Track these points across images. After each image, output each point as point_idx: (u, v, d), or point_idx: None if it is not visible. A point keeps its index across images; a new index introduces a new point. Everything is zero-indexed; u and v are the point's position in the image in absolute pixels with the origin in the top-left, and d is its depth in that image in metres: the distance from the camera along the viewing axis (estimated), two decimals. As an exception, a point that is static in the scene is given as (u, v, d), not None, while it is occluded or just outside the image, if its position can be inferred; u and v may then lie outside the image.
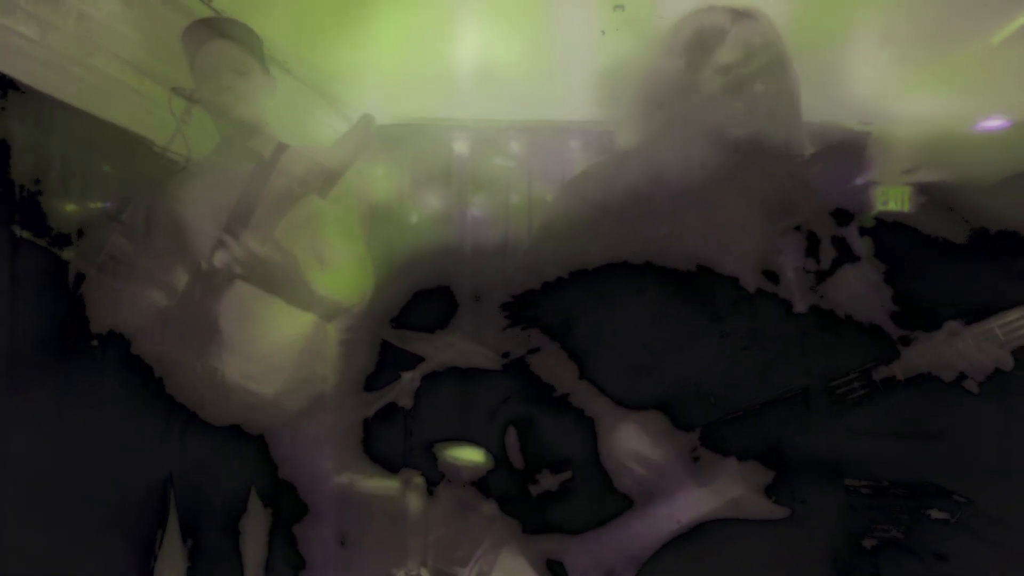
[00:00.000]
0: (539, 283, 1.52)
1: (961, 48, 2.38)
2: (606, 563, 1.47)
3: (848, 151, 1.61)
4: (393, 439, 2.63)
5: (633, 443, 1.44)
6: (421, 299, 2.93)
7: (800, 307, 1.41)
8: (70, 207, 2.08)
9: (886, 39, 2.25)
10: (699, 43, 1.44)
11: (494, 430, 1.59)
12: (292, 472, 2.06)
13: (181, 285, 1.94)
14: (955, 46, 2.38)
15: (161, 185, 1.98)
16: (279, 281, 1.90)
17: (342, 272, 2.02)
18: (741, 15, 1.47)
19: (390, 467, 2.77)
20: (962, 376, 1.34)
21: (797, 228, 1.44)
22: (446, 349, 2.44)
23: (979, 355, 1.31)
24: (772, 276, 1.43)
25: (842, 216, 1.46)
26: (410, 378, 2.48)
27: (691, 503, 1.42)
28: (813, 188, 1.46)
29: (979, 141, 2.56)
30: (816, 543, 1.42)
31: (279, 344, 2.00)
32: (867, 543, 1.50)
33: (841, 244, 1.44)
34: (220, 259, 1.87)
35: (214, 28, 2.01)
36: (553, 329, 1.53)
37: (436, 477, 2.78)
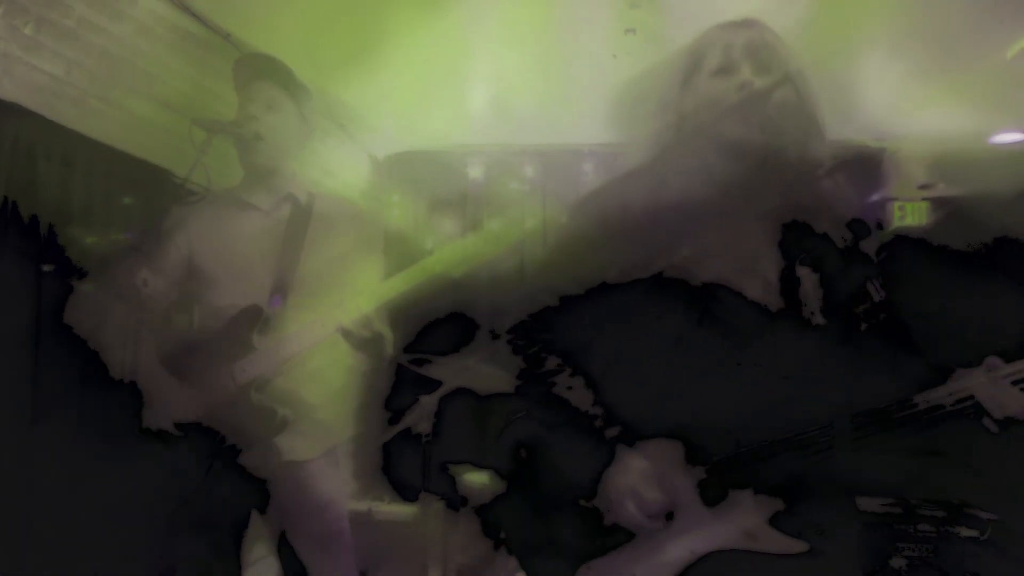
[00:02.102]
0: (556, 300, 1.51)
1: (975, 63, 2.38)
2: None
3: (864, 167, 1.61)
4: (412, 465, 2.62)
5: (631, 479, 1.40)
6: (438, 324, 2.93)
7: (818, 320, 1.38)
8: (92, 239, 2.12)
9: (899, 55, 2.25)
10: (715, 58, 1.44)
11: (501, 450, 1.57)
12: (306, 503, 2.06)
13: (203, 320, 1.99)
14: (969, 61, 2.37)
15: (179, 215, 2.01)
16: (374, 344, 1.98)
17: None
18: (731, 24, 1.48)
19: (409, 492, 2.76)
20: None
21: (815, 248, 1.42)
22: (463, 373, 2.44)
23: (1007, 399, 1.28)
24: (795, 301, 1.41)
25: (860, 228, 1.45)
26: (428, 402, 2.48)
27: (706, 534, 1.39)
28: (830, 201, 1.45)
29: (995, 155, 2.55)
30: (838, 572, 1.38)
31: (330, 386, 2.07)
32: (896, 563, 1.47)
33: (861, 257, 1.43)
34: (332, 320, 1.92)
35: (261, 68, 2.08)
36: (569, 352, 1.51)
37: (456, 502, 2.76)
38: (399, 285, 1.95)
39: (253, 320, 1.95)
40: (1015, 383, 1.29)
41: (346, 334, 1.92)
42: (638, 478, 1.40)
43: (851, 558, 1.40)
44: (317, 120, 2.27)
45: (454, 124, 3.26)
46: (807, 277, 1.39)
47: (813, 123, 1.44)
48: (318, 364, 2.01)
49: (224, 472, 1.91)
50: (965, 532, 1.54)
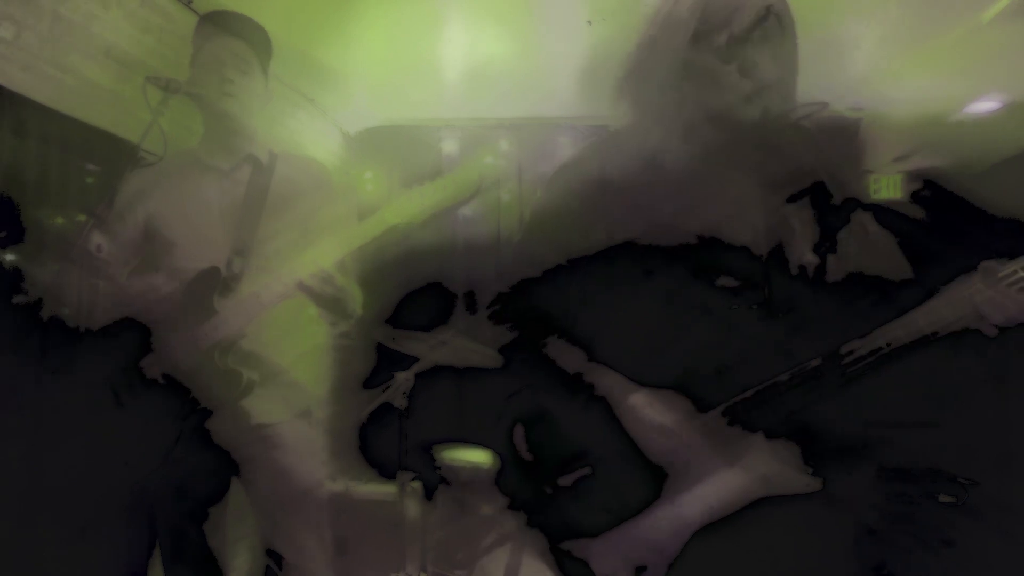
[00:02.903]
0: (539, 271, 1.48)
1: (951, 27, 2.37)
2: (636, 559, 1.38)
3: (841, 137, 1.59)
4: (389, 442, 2.59)
5: (647, 414, 1.39)
6: (415, 299, 2.90)
7: (810, 259, 1.37)
8: (48, 209, 2.06)
9: (874, 20, 2.23)
10: (719, 14, 1.40)
11: (501, 430, 1.54)
12: (284, 482, 2.03)
13: (163, 279, 1.93)
14: (945, 25, 2.36)
15: (136, 179, 1.94)
16: (339, 301, 1.93)
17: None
18: None
19: (387, 471, 2.74)
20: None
21: (802, 194, 1.41)
22: (440, 348, 2.41)
23: (1007, 300, 1.25)
24: (789, 242, 1.40)
25: (845, 171, 1.43)
26: (404, 378, 2.45)
27: (720, 484, 1.36)
28: (813, 144, 1.43)
29: (971, 125, 2.55)
30: (845, 521, 1.37)
31: (295, 350, 2.02)
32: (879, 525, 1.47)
33: (849, 203, 1.41)
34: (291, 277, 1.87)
35: (228, 23, 2.00)
36: (556, 318, 1.48)
37: (433, 480, 2.75)
38: (357, 238, 1.90)
39: (212, 283, 1.90)
40: (1012, 285, 1.26)
41: (306, 291, 1.87)
42: (651, 411, 1.39)
43: (861, 502, 1.39)
44: (288, 92, 2.22)
45: (427, 98, 3.21)
46: (797, 216, 1.38)
47: (795, 77, 1.43)
48: (284, 325, 1.97)
49: (195, 436, 1.88)
50: (944, 498, 1.55)
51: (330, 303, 1.93)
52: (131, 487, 1.88)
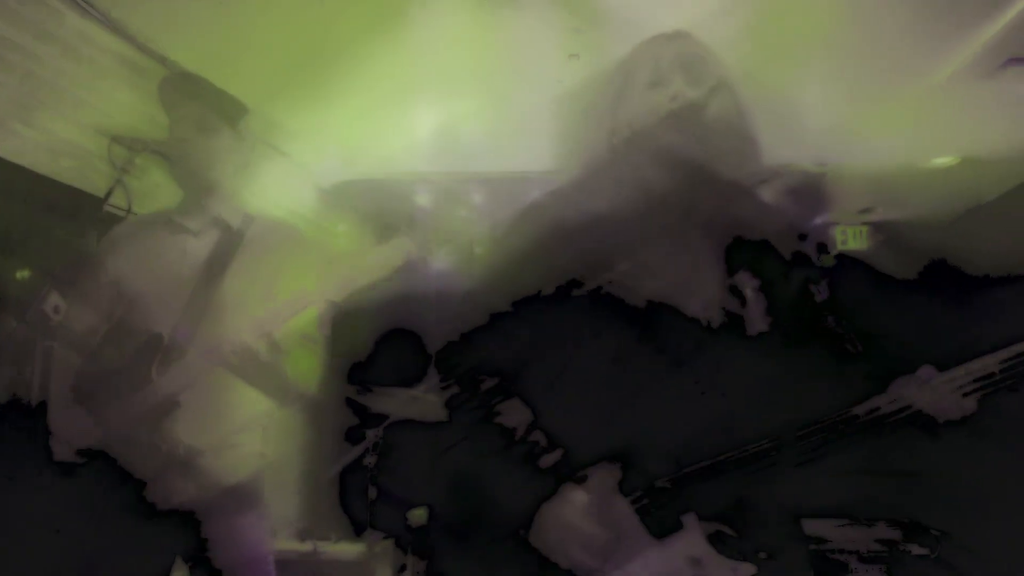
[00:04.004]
0: (485, 318, 1.47)
1: (911, 86, 2.44)
2: None
3: (806, 190, 1.62)
4: (359, 500, 2.54)
5: (572, 514, 1.37)
6: (388, 353, 2.87)
7: (761, 327, 1.38)
8: (9, 265, 2.01)
9: (837, 80, 2.30)
10: (646, 72, 1.46)
11: (435, 481, 1.51)
12: (231, 553, 1.96)
13: (121, 345, 1.89)
14: (905, 84, 2.43)
15: (107, 238, 1.92)
16: (264, 380, 1.87)
17: (301, 357, 1.97)
18: (662, 36, 1.51)
19: (358, 529, 2.67)
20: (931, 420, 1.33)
21: (756, 254, 1.43)
22: (411, 404, 2.38)
23: (945, 403, 1.30)
24: (736, 317, 1.41)
25: (799, 237, 1.45)
26: (374, 435, 2.41)
27: (650, 563, 1.34)
28: (769, 211, 1.46)
29: (931, 178, 2.61)
30: None
31: (244, 418, 1.95)
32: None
33: (803, 260, 1.43)
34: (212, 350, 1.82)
35: (188, 87, 2.01)
36: (504, 372, 1.47)
37: (404, 539, 2.68)
38: (278, 316, 1.86)
39: (153, 350, 1.86)
40: (951, 389, 1.31)
41: (227, 367, 1.83)
42: (580, 514, 1.36)
43: None
44: (260, 146, 2.22)
45: (400, 152, 3.24)
46: (748, 285, 1.39)
47: (748, 134, 1.46)
48: (230, 395, 1.92)
49: (137, 508, 1.81)
50: (916, 550, 1.53)
51: (252, 381, 1.88)
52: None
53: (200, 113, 1.98)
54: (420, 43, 2.68)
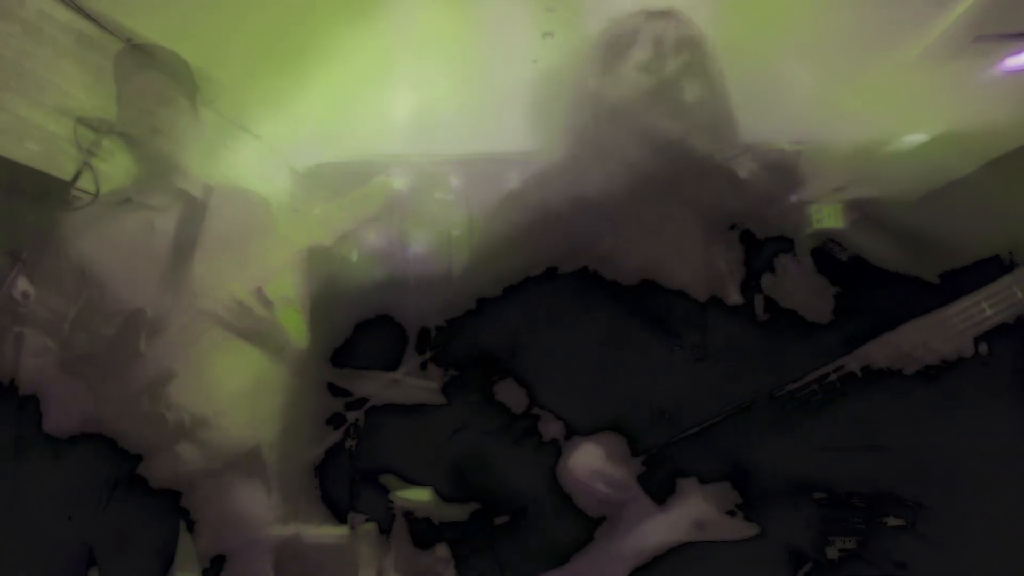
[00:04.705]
0: (474, 304, 1.48)
1: (882, 64, 2.46)
2: None
3: (782, 168, 1.64)
4: (341, 483, 2.54)
5: (593, 461, 1.40)
6: (367, 335, 2.87)
7: (736, 300, 1.41)
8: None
9: (811, 58, 2.31)
10: (616, 45, 1.45)
11: (443, 466, 1.53)
12: (228, 528, 1.96)
13: (98, 327, 1.86)
14: (877, 63, 2.46)
15: (69, 222, 1.89)
16: (262, 334, 1.87)
17: (284, 316, 1.96)
18: (657, 14, 1.49)
19: (339, 512, 2.67)
20: (923, 370, 1.35)
21: (733, 227, 1.44)
22: (391, 387, 2.39)
23: (941, 344, 1.33)
24: (721, 283, 1.43)
25: (776, 210, 1.48)
26: (354, 418, 2.41)
27: (655, 529, 1.38)
28: (746, 186, 1.47)
29: (902, 156, 2.64)
30: (779, 560, 1.39)
31: (235, 390, 1.94)
32: (830, 553, 1.48)
33: (780, 240, 1.45)
34: (205, 310, 1.81)
35: (143, 57, 1.95)
36: (498, 354, 1.48)
37: (387, 520, 2.69)
38: (268, 267, 1.86)
39: (138, 325, 1.84)
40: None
41: (222, 324, 1.82)
42: (597, 458, 1.39)
43: (797, 541, 1.41)
44: (230, 127, 2.18)
45: (376, 135, 3.21)
46: (726, 257, 1.41)
47: (724, 111, 1.47)
48: (218, 367, 1.91)
49: (129, 484, 1.81)
50: (893, 522, 1.57)
51: (250, 336, 1.87)
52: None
53: (159, 83, 1.93)
54: (394, 24, 2.65)
